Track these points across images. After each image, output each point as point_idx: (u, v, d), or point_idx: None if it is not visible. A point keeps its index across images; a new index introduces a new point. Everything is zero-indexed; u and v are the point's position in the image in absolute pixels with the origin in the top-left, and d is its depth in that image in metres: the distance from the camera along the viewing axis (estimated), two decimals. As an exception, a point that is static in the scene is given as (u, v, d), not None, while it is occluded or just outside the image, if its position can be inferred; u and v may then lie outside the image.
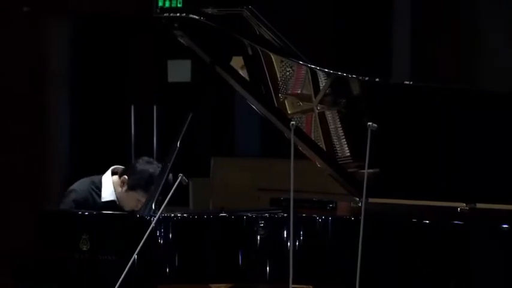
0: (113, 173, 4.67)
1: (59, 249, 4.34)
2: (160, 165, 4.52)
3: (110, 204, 4.60)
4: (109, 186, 4.61)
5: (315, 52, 4.93)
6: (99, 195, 4.59)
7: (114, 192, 4.60)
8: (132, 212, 4.53)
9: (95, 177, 4.67)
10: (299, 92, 4.65)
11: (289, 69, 4.63)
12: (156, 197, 4.25)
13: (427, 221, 4.33)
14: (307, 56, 4.56)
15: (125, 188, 4.57)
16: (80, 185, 4.62)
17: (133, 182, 4.55)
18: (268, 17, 4.57)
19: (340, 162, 4.63)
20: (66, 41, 8.93)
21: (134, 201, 4.56)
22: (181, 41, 4.52)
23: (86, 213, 4.49)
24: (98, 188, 4.60)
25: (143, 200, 4.48)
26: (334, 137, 4.62)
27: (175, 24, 4.44)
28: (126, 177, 4.57)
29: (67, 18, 8.93)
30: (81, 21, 8.91)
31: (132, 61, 8.84)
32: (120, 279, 3.93)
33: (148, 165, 4.59)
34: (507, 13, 8.28)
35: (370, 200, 4.24)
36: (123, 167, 4.70)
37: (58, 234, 4.41)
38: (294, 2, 8.63)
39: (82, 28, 8.93)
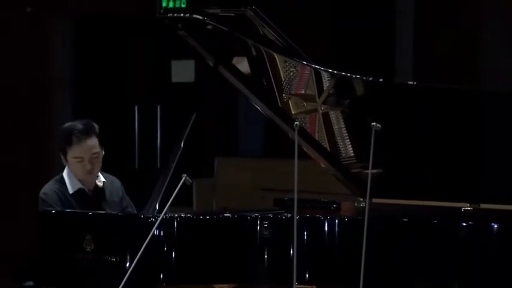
0: None
1: (63, 250, 4.32)
2: (80, 121, 4.60)
3: (80, 194, 4.58)
4: (71, 177, 4.59)
5: (315, 52, 4.91)
6: (67, 190, 4.58)
7: (77, 181, 4.58)
8: (136, 213, 4.53)
9: (57, 176, 4.67)
10: (303, 92, 4.64)
11: (293, 69, 4.61)
12: (159, 198, 4.24)
13: (431, 222, 4.31)
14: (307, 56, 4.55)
15: (64, 160, 4.58)
16: (48, 187, 4.60)
17: (59, 147, 4.57)
18: (269, 15, 4.56)
19: (343, 163, 4.61)
20: (69, 41, 8.92)
21: (77, 164, 4.52)
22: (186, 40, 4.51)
23: (90, 213, 4.47)
24: (63, 183, 4.59)
25: (78, 155, 4.48)
26: (338, 137, 4.60)
27: (179, 25, 4.42)
28: (60, 153, 4.59)
29: (69, 18, 8.92)
30: (84, 22, 8.90)
31: (135, 61, 8.83)
32: (124, 280, 3.92)
33: (62, 126, 4.63)
34: (509, 13, 8.27)
35: (374, 200, 4.22)
36: None
37: (62, 235, 4.39)
38: (294, 1, 8.62)
39: (85, 28, 8.92)
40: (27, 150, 8.64)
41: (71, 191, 4.56)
